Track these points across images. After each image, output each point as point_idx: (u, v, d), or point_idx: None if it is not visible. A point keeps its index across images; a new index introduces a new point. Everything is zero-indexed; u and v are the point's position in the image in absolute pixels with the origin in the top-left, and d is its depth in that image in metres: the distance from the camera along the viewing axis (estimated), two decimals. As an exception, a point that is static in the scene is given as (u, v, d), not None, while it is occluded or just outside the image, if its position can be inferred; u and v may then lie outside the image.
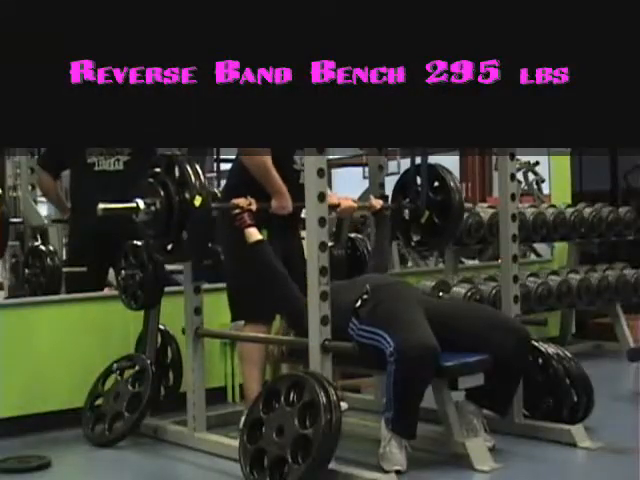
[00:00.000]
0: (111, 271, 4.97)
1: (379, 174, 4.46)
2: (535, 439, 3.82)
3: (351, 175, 10.95)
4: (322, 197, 3.27)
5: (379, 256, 4.15)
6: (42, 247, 4.85)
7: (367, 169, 4.68)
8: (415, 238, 4.34)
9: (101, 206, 3.60)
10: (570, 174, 6.94)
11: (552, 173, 6.88)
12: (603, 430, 3.91)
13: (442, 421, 3.57)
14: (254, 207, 3.64)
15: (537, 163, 8.40)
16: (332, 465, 3.20)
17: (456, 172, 12.13)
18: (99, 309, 4.54)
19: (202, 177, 3.47)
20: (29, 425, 4.23)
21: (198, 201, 3.40)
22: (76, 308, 4.52)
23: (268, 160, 3.80)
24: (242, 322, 4.04)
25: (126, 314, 4.30)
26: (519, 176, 8.00)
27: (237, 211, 3.61)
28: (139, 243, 4.13)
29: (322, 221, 3.28)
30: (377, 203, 4.21)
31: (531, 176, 8.64)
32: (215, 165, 8.35)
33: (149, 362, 4.14)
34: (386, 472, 3.33)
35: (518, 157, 4.15)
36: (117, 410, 4.07)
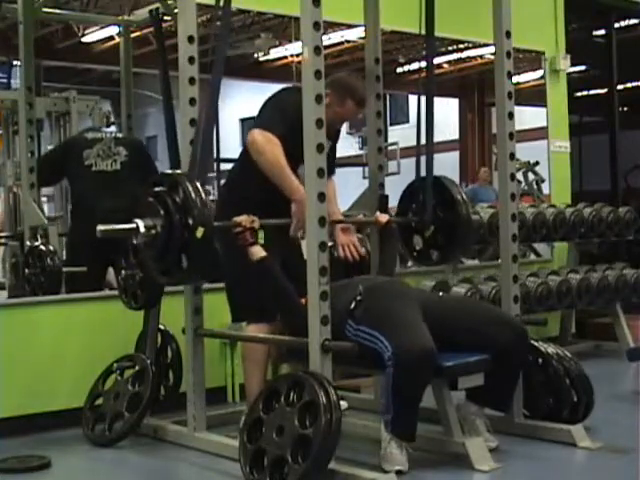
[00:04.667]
0: (111, 271, 4.98)
1: (379, 174, 4.45)
2: (535, 439, 3.82)
3: (351, 175, 10.95)
4: (322, 197, 3.27)
5: (384, 271, 4.06)
6: (42, 247, 4.85)
7: (367, 169, 4.67)
8: (418, 247, 4.25)
9: (100, 228, 3.50)
10: (570, 174, 6.95)
11: (552, 173, 6.89)
12: (603, 430, 3.91)
13: (442, 421, 3.57)
14: (257, 225, 3.55)
15: (537, 163, 8.40)
16: (332, 465, 3.20)
17: (456, 172, 12.20)
18: (99, 309, 4.55)
19: (205, 200, 3.33)
20: (29, 425, 4.23)
21: (200, 232, 3.29)
22: (76, 308, 4.52)
23: (281, 155, 3.66)
24: (242, 322, 4.04)
25: (126, 314, 4.30)
26: (519, 176, 8.01)
27: (239, 229, 3.55)
28: (139, 243, 4.12)
29: (322, 221, 3.27)
30: (383, 218, 4.12)
31: (531, 176, 8.65)
32: (215, 165, 8.35)
33: (149, 362, 4.14)
34: (386, 472, 3.33)
35: (518, 157, 4.15)
36: (117, 410, 4.07)
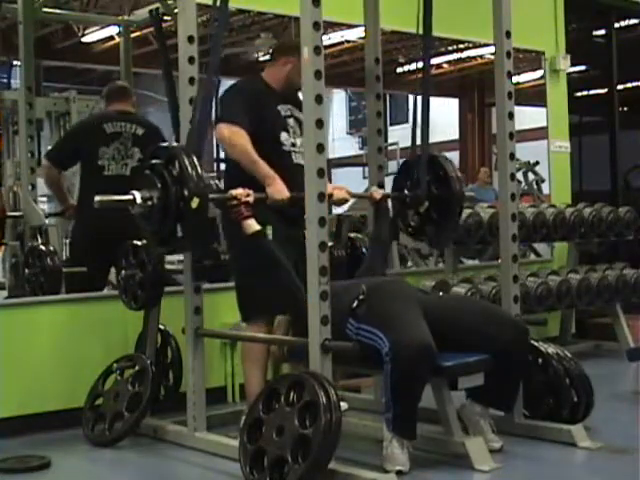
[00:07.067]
0: (112, 271, 4.98)
1: (379, 174, 4.46)
2: (535, 439, 3.82)
3: (351, 175, 10.96)
4: (322, 197, 3.27)
5: (378, 249, 4.12)
6: (42, 247, 4.84)
7: (367, 169, 4.67)
8: (413, 223, 4.29)
9: (97, 198, 3.49)
10: (570, 174, 6.95)
11: (552, 173, 6.89)
12: (603, 430, 3.91)
13: (442, 421, 3.57)
14: (251, 199, 3.57)
15: (537, 163, 8.40)
16: (332, 465, 3.20)
17: (456, 172, 12.18)
18: (99, 309, 4.55)
19: (201, 173, 3.38)
20: (29, 425, 4.23)
21: (195, 203, 3.33)
22: (76, 308, 4.52)
23: (249, 145, 3.77)
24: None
25: (126, 314, 4.30)
26: (519, 176, 8.01)
27: (234, 203, 3.55)
28: (139, 243, 4.13)
29: (322, 221, 3.27)
30: (377, 194, 4.20)
31: (531, 176, 8.66)
32: (215, 165, 8.35)
33: (149, 362, 4.14)
34: (387, 472, 3.33)
35: (518, 157, 4.15)
36: (117, 410, 4.07)
